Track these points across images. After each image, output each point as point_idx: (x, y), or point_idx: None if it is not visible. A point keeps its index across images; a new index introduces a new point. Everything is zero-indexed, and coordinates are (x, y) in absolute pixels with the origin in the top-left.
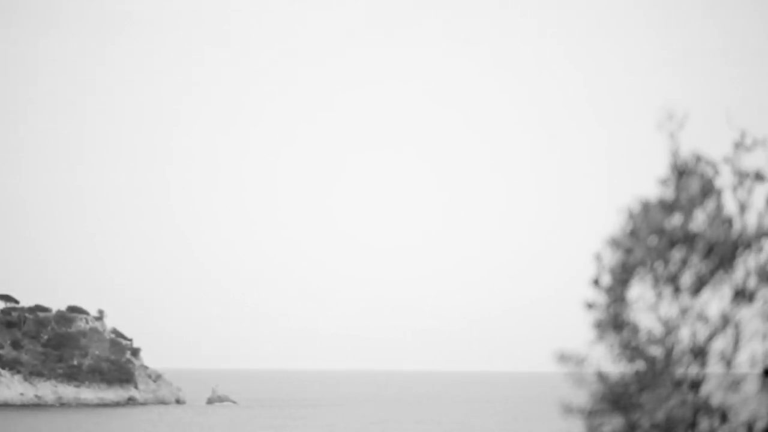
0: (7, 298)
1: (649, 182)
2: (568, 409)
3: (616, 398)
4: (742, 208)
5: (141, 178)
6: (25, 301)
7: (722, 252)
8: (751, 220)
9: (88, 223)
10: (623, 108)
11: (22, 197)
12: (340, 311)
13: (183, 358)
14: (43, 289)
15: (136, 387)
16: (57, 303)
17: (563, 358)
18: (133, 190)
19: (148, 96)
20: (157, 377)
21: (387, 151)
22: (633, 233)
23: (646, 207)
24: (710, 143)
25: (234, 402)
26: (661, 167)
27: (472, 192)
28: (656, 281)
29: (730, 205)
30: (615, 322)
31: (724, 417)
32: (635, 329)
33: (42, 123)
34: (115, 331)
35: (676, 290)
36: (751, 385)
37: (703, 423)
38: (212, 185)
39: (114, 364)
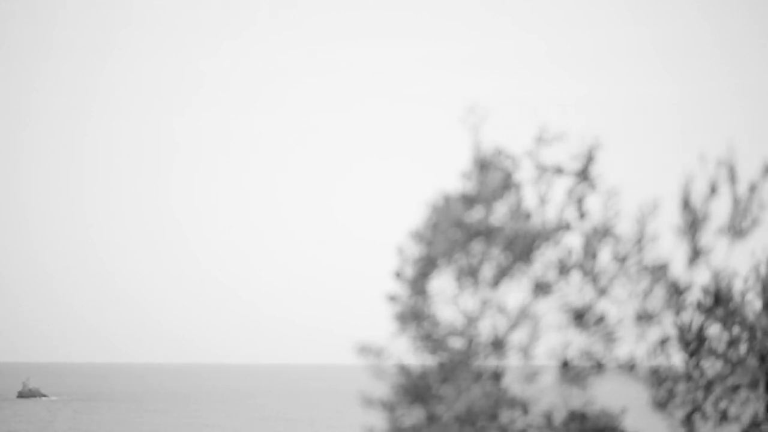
0: None
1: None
2: (368, 402)
3: (417, 390)
4: (542, 201)
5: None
6: None
7: (521, 245)
8: (551, 214)
9: None
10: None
11: None
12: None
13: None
14: None
15: None
16: None
17: (363, 350)
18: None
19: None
20: None
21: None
22: (435, 226)
23: (447, 200)
24: (517, 138)
25: (45, 396)
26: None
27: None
28: (457, 274)
29: (530, 199)
30: (416, 314)
31: (524, 408)
32: (436, 321)
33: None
34: None
35: (477, 283)
36: (549, 377)
37: (504, 414)
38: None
39: None
